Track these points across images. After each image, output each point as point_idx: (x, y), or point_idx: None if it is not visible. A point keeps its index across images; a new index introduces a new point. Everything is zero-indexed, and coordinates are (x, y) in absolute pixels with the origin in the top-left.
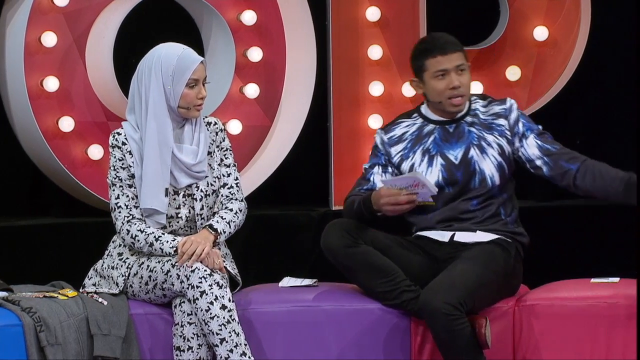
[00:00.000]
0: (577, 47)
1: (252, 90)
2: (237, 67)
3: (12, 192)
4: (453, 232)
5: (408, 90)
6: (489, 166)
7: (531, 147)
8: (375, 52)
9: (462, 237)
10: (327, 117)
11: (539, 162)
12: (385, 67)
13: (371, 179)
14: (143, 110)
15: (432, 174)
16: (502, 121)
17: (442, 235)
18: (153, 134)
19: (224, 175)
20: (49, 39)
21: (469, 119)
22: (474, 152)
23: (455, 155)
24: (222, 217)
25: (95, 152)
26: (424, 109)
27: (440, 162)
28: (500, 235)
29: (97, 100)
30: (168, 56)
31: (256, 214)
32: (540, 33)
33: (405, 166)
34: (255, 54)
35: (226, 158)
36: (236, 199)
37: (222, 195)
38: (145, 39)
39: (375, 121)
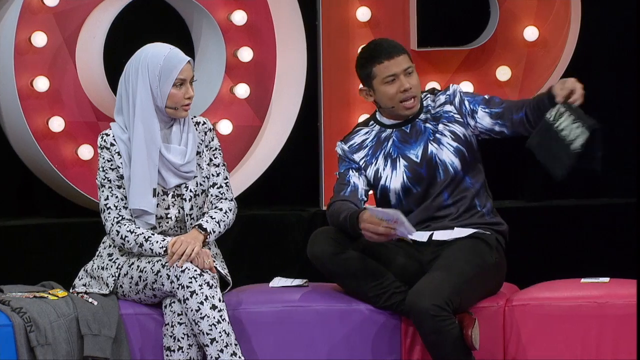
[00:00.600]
0: (567, 48)
1: (242, 90)
2: (228, 67)
3: (1, 193)
4: (431, 232)
5: None
6: (447, 154)
7: (484, 119)
8: None
9: (441, 235)
10: (318, 117)
11: (497, 128)
12: None
13: (350, 181)
14: (131, 110)
15: (397, 177)
16: (448, 107)
17: (421, 236)
18: (141, 134)
19: (213, 175)
20: (39, 39)
21: (422, 116)
22: (432, 147)
23: (415, 153)
24: (211, 217)
25: (85, 152)
26: (378, 115)
27: (403, 164)
28: (479, 228)
29: (87, 100)
30: (155, 56)
31: (247, 214)
32: (531, 33)
33: (370, 172)
34: (245, 54)
35: (215, 158)
36: (226, 199)
37: (211, 195)
38: (136, 39)
39: None
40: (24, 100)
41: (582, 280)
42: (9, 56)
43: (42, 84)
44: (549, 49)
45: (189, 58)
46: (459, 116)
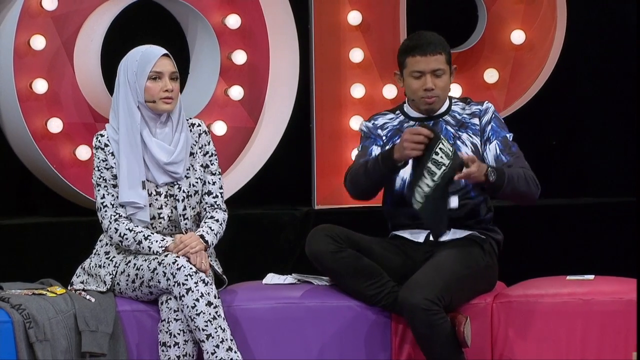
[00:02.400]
0: (553, 50)
1: (236, 92)
2: (222, 70)
3: (1, 192)
4: (428, 232)
5: (389, 92)
6: None
7: (490, 152)
8: (356, 55)
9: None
10: (310, 119)
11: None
12: (367, 70)
13: (373, 154)
14: (118, 108)
15: (409, 166)
16: (475, 120)
17: (417, 236)
18: (125, 130)
19: (209, 183)
20: (38, 42)
21: (447, 118)
22: None
23: None
24: (210, 228)
25: (83, 152)
26: (406, 106)
27: None
28: (474, 231)
29: (85, 102)
30: (133, 54)
31: (240, 213)
32: (518, 36)
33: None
34: (239, 57)
35: (212, 164)
36: (220, 209)
37: (206, 203)
38: (132, 42)
39: (356, 122)
40: (23, 102)
41: (568, 277)
42: (8, 59)
43: (40, 86)
44: (536, 51)
45: (165, 52)
46: (479, 133)
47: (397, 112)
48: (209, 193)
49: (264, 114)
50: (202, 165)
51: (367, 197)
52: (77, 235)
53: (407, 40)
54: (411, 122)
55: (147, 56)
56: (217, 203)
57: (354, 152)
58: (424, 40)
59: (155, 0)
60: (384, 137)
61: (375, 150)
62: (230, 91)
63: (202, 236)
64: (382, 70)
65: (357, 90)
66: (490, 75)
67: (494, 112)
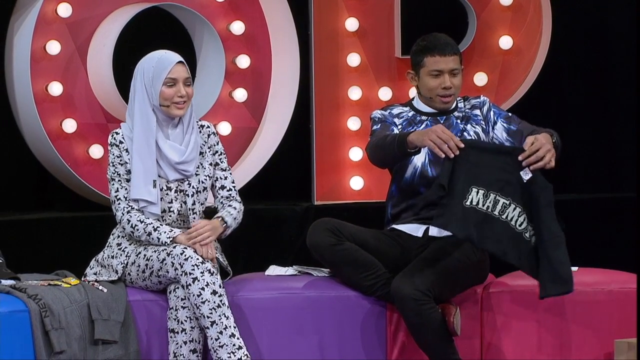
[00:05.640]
0: (539, 55)
1: (240, 94)
2: (227, 73)
3: (19, 189)
4: (427, 226)
5: (384, 95)
6: None
7: (499, 131)
8: (353, 59)
9: (436, 232)
10: (310, 119)
11: (508, 144)
12: (363, 74)
13: (394, 130)
14: (133, 110)
15: (421, 154)
16: (477, 112)
17: (417, 230)
18: (140, 130)
19: (221, 179)
20: (54, 47)
21: (456, 114)
22: None
23: None
24: (230, 213)
25: (96, 151)
26: (416, 102)
27: None
28: None
29: (98, 103)
30: (150, 60)
31: (244, 209)
32: (506, 42)
33: None
34: (243, 61)
35: (222, 162)
36: (236, 200)
37: (222, 197)
38: (143, 47)
39: (353, 123)
40: (39, 103)
41: None
42: (25, 63)
43: (56, 88)
44: (522, 56)
45: (179, 60)
46: (483, 123)
47: (407, 107)
48: (223, 187)
49: (267, 115)
50: (211, 164)
51: (383, 167)
52: (90, 229)
53: (423, 41)
54: (423, 117)
55: (163, 63)
56: (232, 195)
57: (352, 151)
58: (442, 41)
59: (164, 8)
60: (399, 126)
61: (395, 129)
62: (234, 93)
63: (222, 218)
64: (378, 74)
65: (354, 93)
66: (480, 79)
67: (490, 100)
